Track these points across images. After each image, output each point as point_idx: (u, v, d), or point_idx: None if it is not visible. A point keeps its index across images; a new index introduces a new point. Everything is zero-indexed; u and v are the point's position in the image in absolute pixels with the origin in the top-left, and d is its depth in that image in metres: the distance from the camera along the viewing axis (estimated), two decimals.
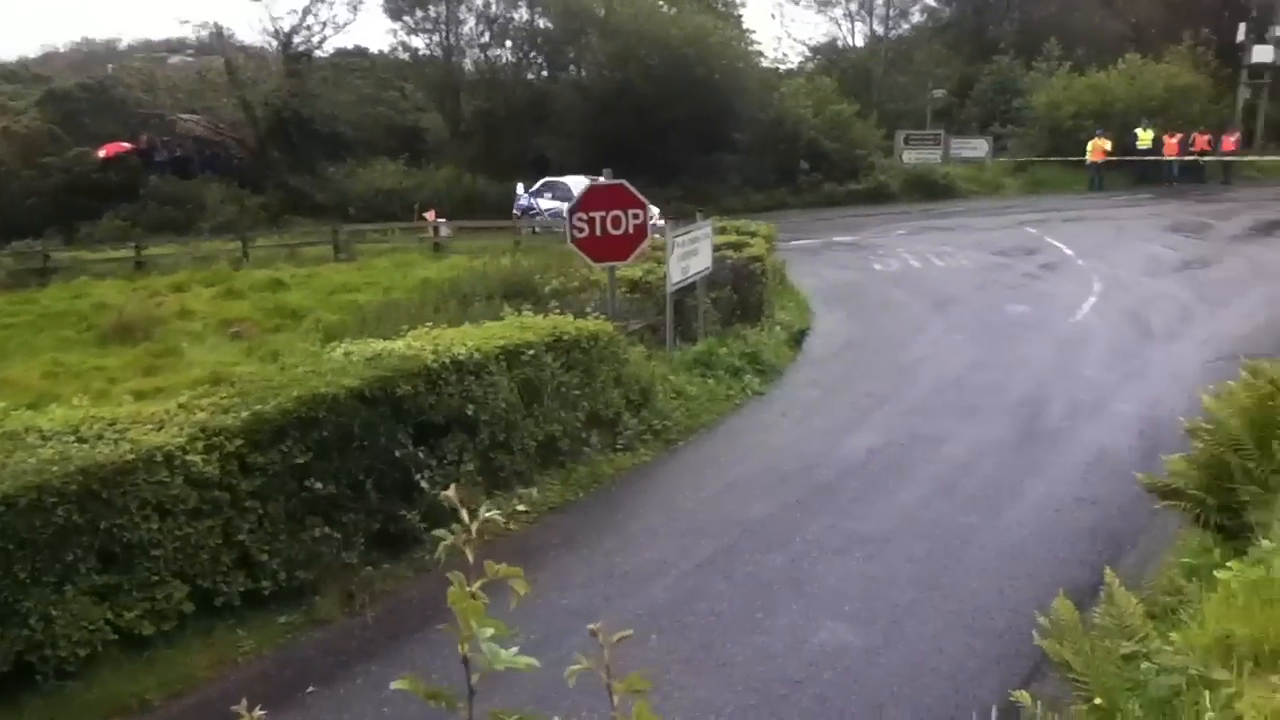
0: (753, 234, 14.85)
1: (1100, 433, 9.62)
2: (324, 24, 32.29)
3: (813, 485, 8.61)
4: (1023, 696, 3.32)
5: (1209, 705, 2.55)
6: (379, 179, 29.99)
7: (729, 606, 6.60)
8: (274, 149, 31.02)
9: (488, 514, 1.44)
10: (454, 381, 7.64)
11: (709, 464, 9.30)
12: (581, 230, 10.39)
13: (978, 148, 34.47)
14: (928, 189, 30.49)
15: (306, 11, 31.91)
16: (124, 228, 26.99)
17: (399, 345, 7.74)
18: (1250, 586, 3.30)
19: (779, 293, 15.31)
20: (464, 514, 1.42)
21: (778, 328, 13.51)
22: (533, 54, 34.42)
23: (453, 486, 1.50)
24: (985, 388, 11.26)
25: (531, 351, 8.46)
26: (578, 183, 20.76)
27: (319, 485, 6.64)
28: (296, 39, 32.18)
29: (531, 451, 8.51)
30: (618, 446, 9.38)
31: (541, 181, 25.47)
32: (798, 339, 13.68)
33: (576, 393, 8.93)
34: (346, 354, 7.59)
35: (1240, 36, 36.72)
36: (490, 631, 1.38)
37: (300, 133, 30.65)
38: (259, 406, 6.59)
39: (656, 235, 11.60)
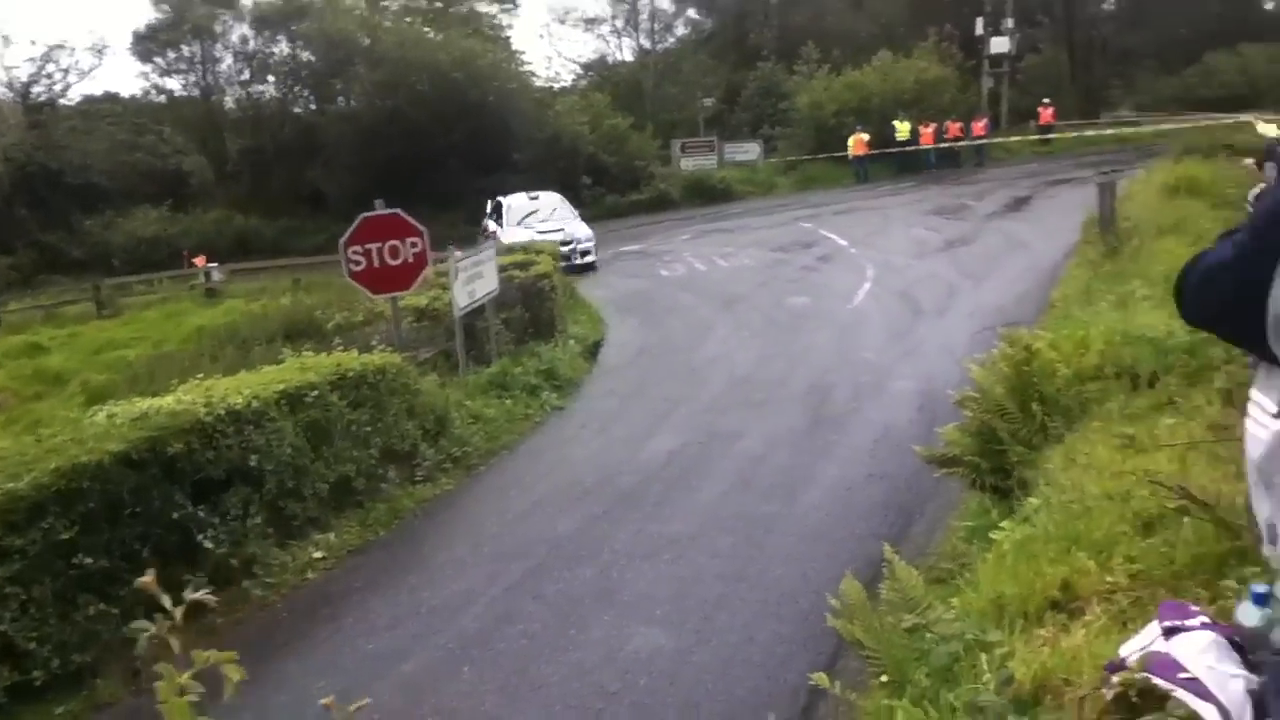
0: (539, 251, 14.80)
1: (883, 411, 10.06)
2: (65, 71, 30.41)
3: (617, 494, 8.62)
4: (820, 679, 3.37)
5: (985, 667, 2.64)
6: (141, 227, 28.38)
7: (541, 627, 6.49)
8: (20, 205, 28.85)
9: (195, 595, 1.30)
10: (231, 433, 7.21)
11: (512, 485, 9.16)
12: (358, 264, 10.04)
13: (750, 151, 35.73)
14: (706, 193, 31.34)
15: (45, 59, 29.88)
16: None
17: (167, 401, 7.25)
18: (1018, 545, 3.46)
19: (571, 306, 15.34)
20: (165, 600, 1.27)
21: (572, 341, 13.52)
22: (297, 87, 33.37)
23: (149, 573, 1.34)
24: (774, 380, 11.59)
25: (315, 392, 8.10)
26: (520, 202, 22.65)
27: (89, 560, 6.11)
28: (36, 88, 30.10)
29: (325, 495, 8.15)
30: (417, 479, 9.12)
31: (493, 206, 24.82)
32: (593, 350, 13.73)
33: (368, 429, 8.61)
34: (110, 416, 7.05)
35: (979, 30, 39.59)
36: None
37: (49, 186, 28.65)
38: (10, 485, 6.01)
39: (442, 262, 11.35)
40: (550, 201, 23.11)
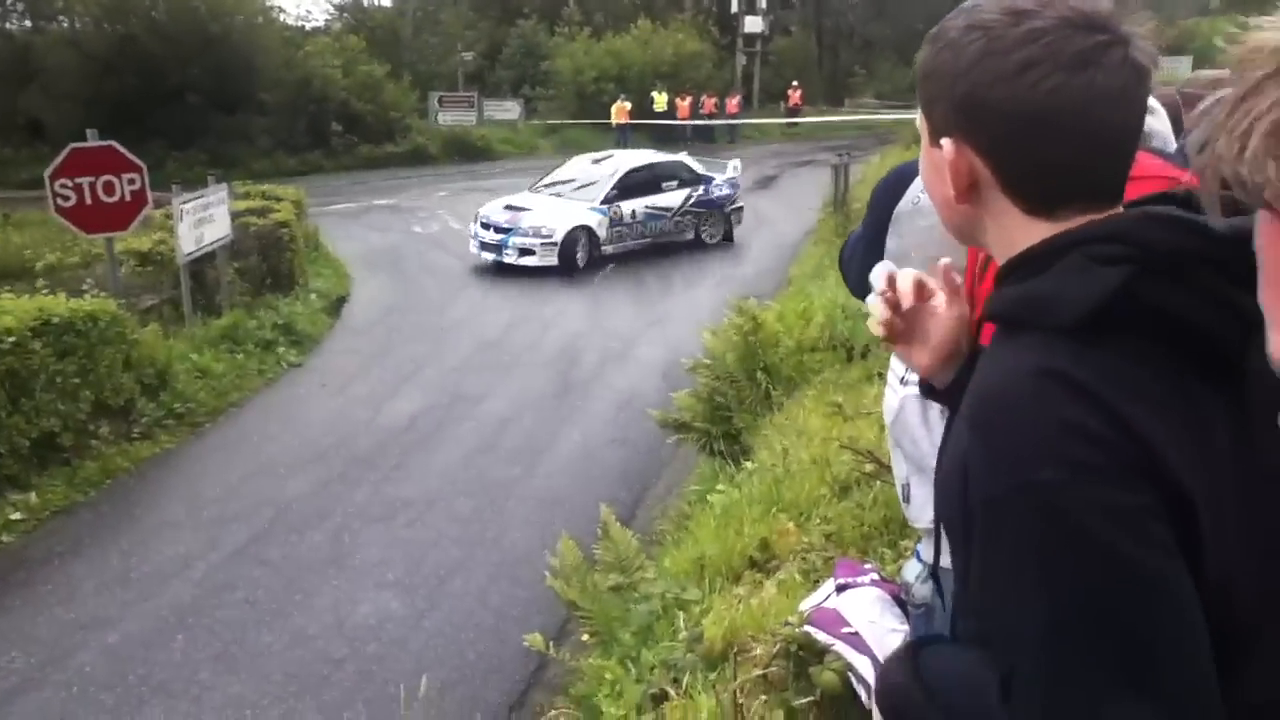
0: (279, 199, 14.08)
1: (629, 378, 10.28)
2: None
3: (353, 456, 8.39)
4: (535, 640, 3.41)
5: (682, 625, 2.74)
6: None
7: (264, 594, 6.24)
8: None
9: None
10: None
11: (239, 445, 8.72)
12: (67, 199, 9.17)
13: (510, 110, 35.36)
14: (466, 151, 30.79)
15: None
16: None
17: None
18: (726, 508, 3.62)
19: (315, 260, 14.71)
20: None
21: (314, 296, 12.98)
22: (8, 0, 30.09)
23: None
24: (524, 345, 11.59)
25: (13, 339, 7.38)
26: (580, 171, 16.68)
27: None
28: None
29: (25, 451, 7.46)
30: (133, 436, 8.51)
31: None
32: (336, 306, 13.24)
33: (76, 381, 7.94)
34: None
35: (734, 8, 40.83)
36: None
37: None
38: None
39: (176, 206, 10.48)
40: (620, 165, 16.51)
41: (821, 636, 2.10)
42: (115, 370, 8.43)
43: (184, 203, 10.24)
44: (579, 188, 15.99)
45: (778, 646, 2.19)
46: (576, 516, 7.07)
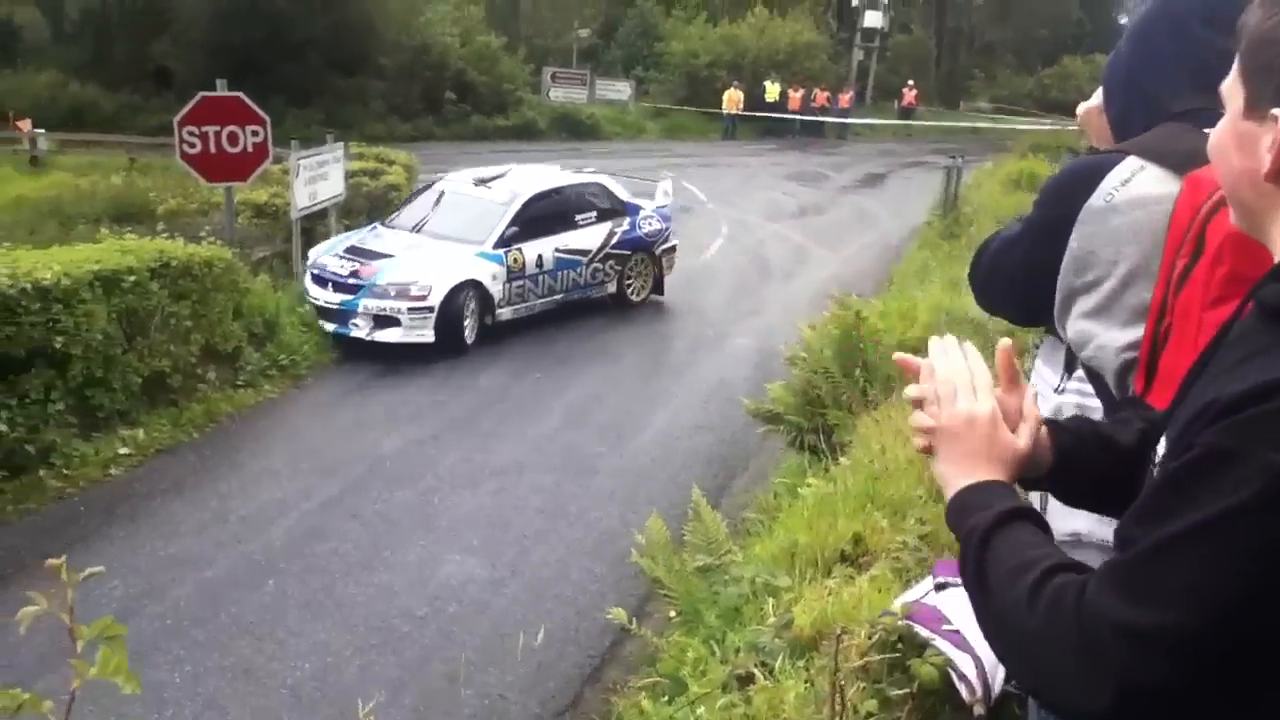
0: (391, 162, 14.36)
1: (721, 365, 10.25)
2: None
3: (448, 419, 8.53)
4: (618, 614, 3.43)
5: (770, 610, 2.74)
6: None
7: (353, 546, 6.41)
8: None
9: None
10: (37, 310, 6.77)
11: (339, 400, 8.95)
12: (193, 146, 9.48)
13: (621, 90, 35.41)
14: (574, 128, 30.96)
15: None
16: None
17: None
18: (819, 500, 3.60)
19: None
20: None
21: None
22: None
23: None
24: (616, 324, 11.64)
25: (134, 278, 7.66)
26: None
27: None
28: None
29: (136, 389, 7.75)
30: (239, 383, 8.77)
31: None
32: None
33: (189, 324, 8.22)
34: None
35: (855, 1, 40.27)
36: None
37: None
38: None
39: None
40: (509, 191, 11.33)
41: (922, 631, 2.09)
42: (226, 317, 8.71)
43: (301, 159, 10.49)
44: (460, 222, 10.82)
45: (876, 637, 2.18)
46: (659, 497, 7.09)
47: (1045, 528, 1.17)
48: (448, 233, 10.75)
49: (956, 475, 1.22)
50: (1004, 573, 1.10)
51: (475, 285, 10.27)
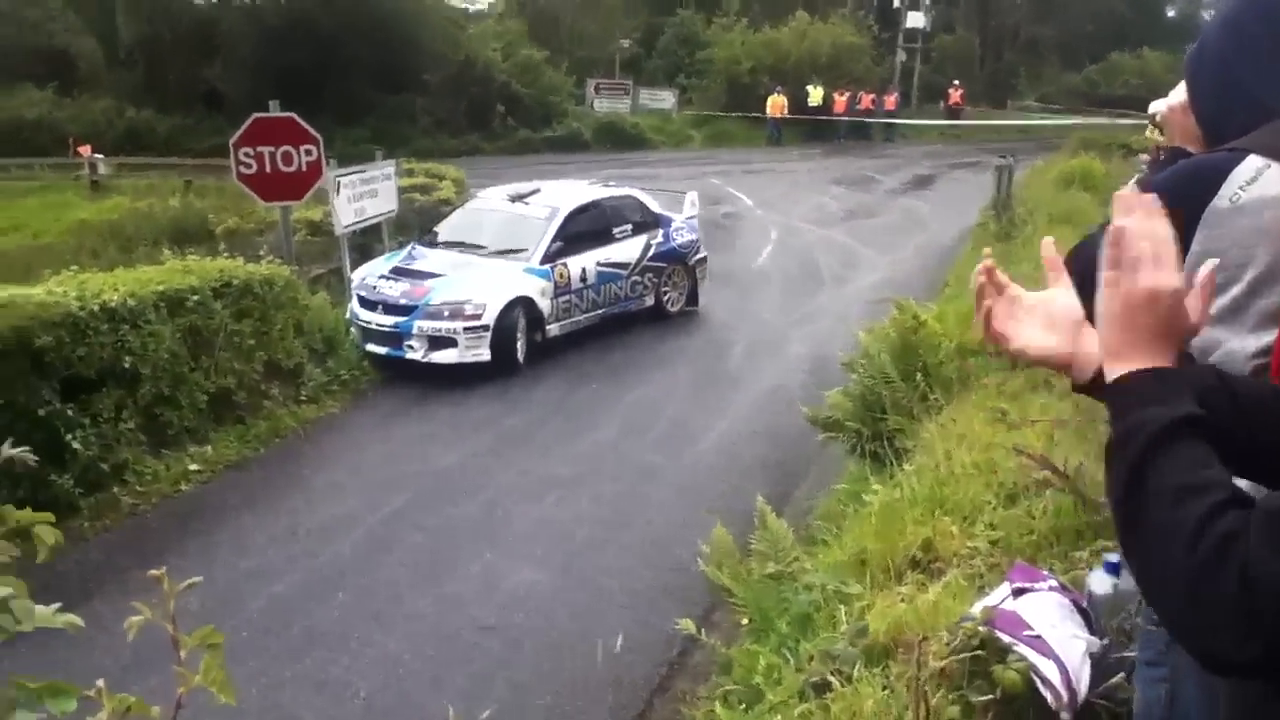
0: (441, 177, 14.54)
1: (776, 372, 10.25)
2: None
3: (505, 431, 8.62)
4: (687, 624, 3.46)
5: (843, 617, 2.75)
6: (25, 108, 26.78)
7: (419, 558, 6.49)
8: None
9: (11, 451, 1.27)
10: (105, 331, 6.96)
11: (399, 414, 9.07)
12: (249, 166, 9.70)
13: (665, 99, 35.55)
14: (619, 138, 31.12)
15: None
16: None
17: (38, 291, 6.95)
18: (885, 506, 3.60)
19: None
20: None
21: None
22: None
23: None
24: (671, 332, 11.68)
25: (196, 297, 7.85)
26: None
27: None
28: None
29: (203, 406, 7.93)
30: (301, 398, 8.94)
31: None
32: None
33: (252, 342, 8.40)
34: None
35: (896, 2, 40.07)
36: (8, 591, 1.21)
37: None
38: None
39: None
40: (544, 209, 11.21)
41: (1003, 637, 2.09)
42: (287, 334, 8.89)
43: (339, 176, 10.64)
44: (503, 239, 10.85)
45: (956, 642, 2.19)
46: (719, 506, 7.05)
47: (1218, 443, 1.10)
48: (493, 249, 10.72)
49: (1129, 351, 1.15)
50: (1171, 488, 1.04)
51: (526, 301, 10.19)
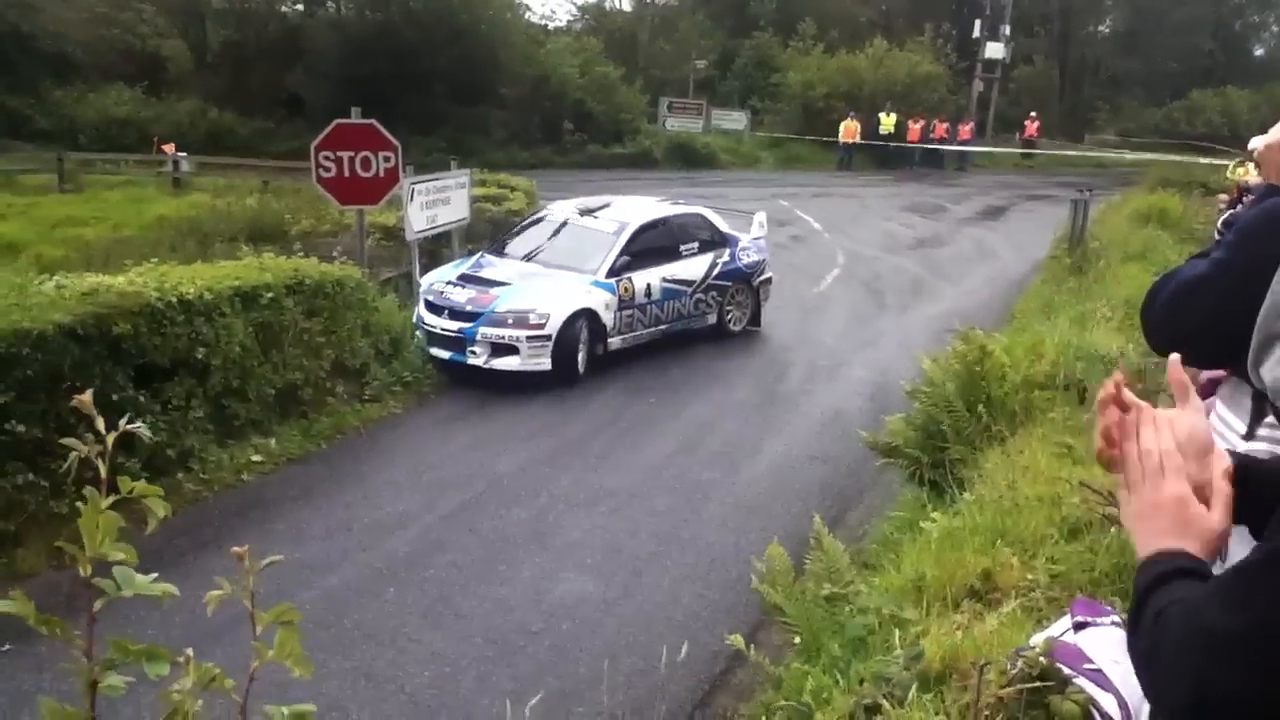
0: (512, 189, 14.70)
1: (835, 396, 10.18)
2: None
3: (562, 441, 8.66)
4: (736, 640, 3.44)
5: (897, 643, 2.72)
6: (114, 106, 27.61)
7: (471, 560, 6.54)
8: None
9: (130, 426, 1.31)
10: (181, 322, 7.14)
11: (460, 418, 9.17)
12: (328, 170, 9.91)
13: (737, 120, 35.58)
14: (689, 158, 31.21)
15: None
16: None
17: (119, 280, 7.15)
18: (945, 534, 3.55)
19: None
20: (98, 422, 1.28)
21: None
22: None
23: (87, 393, 1.35)
24: (731, 351, 11.66)
25: (270, 294, 8.02)
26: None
27: (22, 428, 6.05)
28: None
29: (270, 400, 8.10)
30: (365, 397, 9.08)
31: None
32: None
33: (320, 340, 8.55)
34: (59, 287, 6.93)
35: (976, 33, 39.74)
36: (121, 556, 1.25)
37: (19, 49, 27.66)
38: None
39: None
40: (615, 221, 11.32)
41: (1064, 669, 2.06)
42: (355, 334, 9.04)
43: (414, 184, 10.82)
44: (571, 251, 10.93)
45: (1016, 671, 2.15)
46: (772, 526, 7.04)
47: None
48: (560, 261, 10.77)
49: (1143, 546, 1.28)
50: (1148, 616, 1.17)
51: (589, 314, 10.26)
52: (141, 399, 6.87)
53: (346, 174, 9.98)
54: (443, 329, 9.95)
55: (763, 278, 12.52)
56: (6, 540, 6.01)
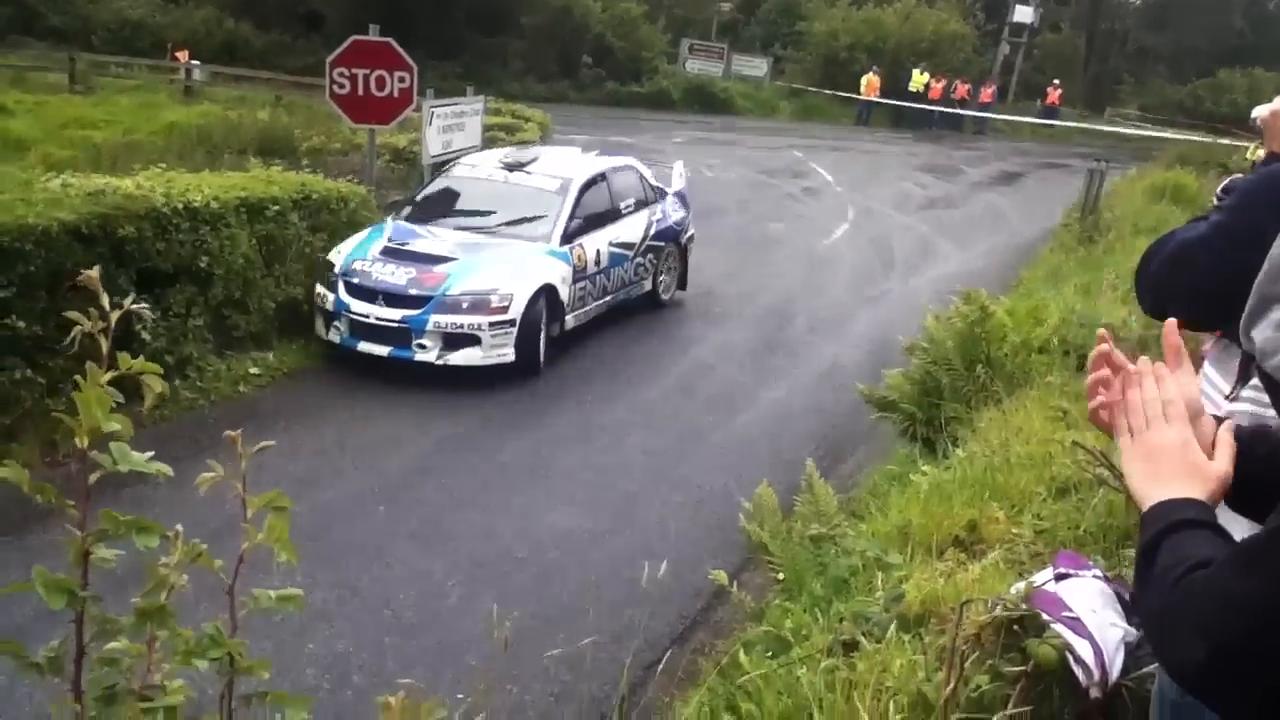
0: (526, 119, 14.57)
1: (836, 348, 10.17)
2: None
3: (559, 378, 8.65)
4: (719, 576, 3.48)
5: (879, 585, 2.75)
6: (128, 9, 27.30)
7: (462, 486, 6.58)
8: None
9: (133, 305, 1.31)
10: (186, 229, 7.13)
11: None
12: (342, 86, 9.81)
13: (758, 67, 35.19)
14: (707, 101, 30.91)
15: None
16: None
17: (126, 183, 7.12)
18: (934, 486, 3.57)
19: None
20: (103, 298, 1.28)
21: None
22: None
23: (94, 269, 1.34)
24: (736, 297, 11.64)
25: (276, 207, 7.99)
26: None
27: (21, 324, 6.07)
28: None
29: (270, 313, 8.10)
30: None
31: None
32: None
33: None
34: (65, 186, 6.90)
35: None
36: (117, 426, 1.26)
37: None
38: None
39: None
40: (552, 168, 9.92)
41: (1043, 615, 2.08)
42: None
43: (433, 107, 10.72)
44: (512, 214, 9.33)
45: (995, 614, 2.18)
46: (765, 471, 6.96)
47: (1220, 534, 1.23)
48: (503, 228, 9.17)
49: (1148, 493, 1.29)
50: (1158, 572, 1.19)
51: (549, 290, 8.69)
52: (143, 303, 6.86)
53: (360, 92, 9.88)
54: (378, 318, 8.09)
55: (688, 235, 11.33)
56: (1, 434, 6.05)
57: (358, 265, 8.34)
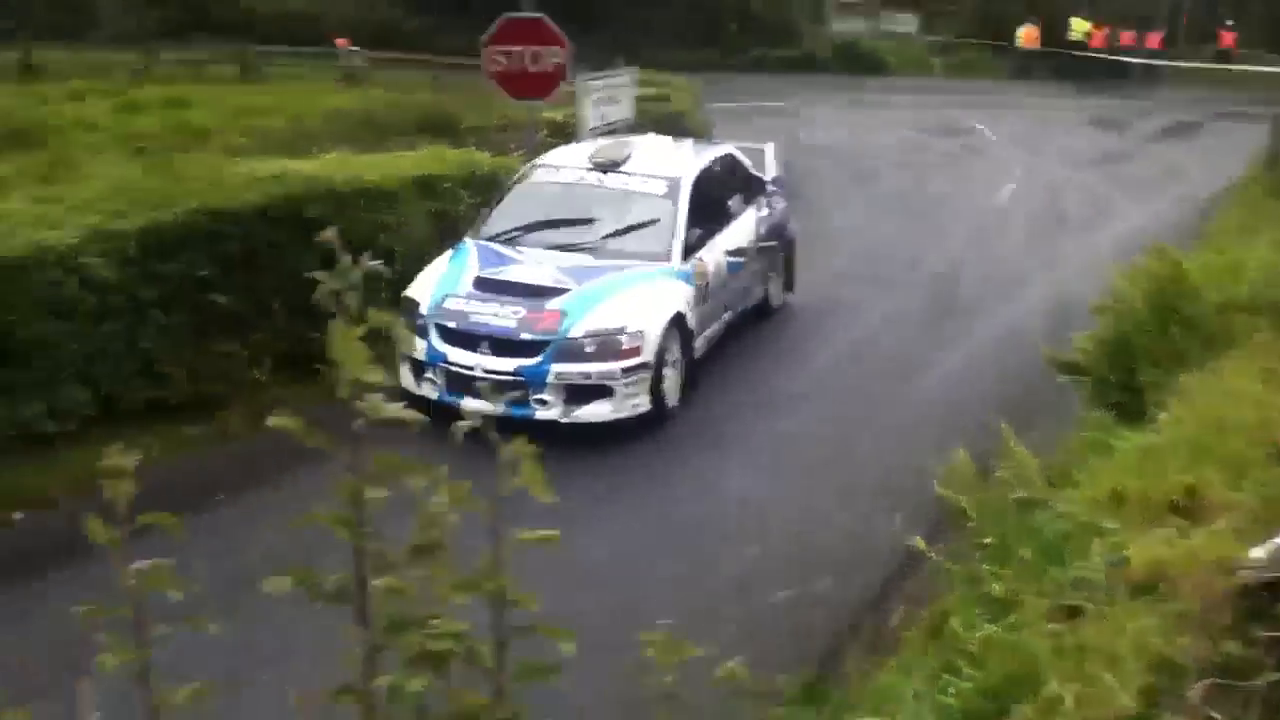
0: (677, 89, 14.58)
1: (1012, 312, 9.85)
2: None
3: (734, 343, 8.65)
4: (920, 542, 3.44)
5: (1095, 551, 2.67)
6: (289, 1, 28.45)
7: (649, 452, 6.73)
8: None
9: (371, 263, 1.38)
10: (364, 207, 7.44)
11: None
12: (499, 64, 10.00)
13: (908, 23, 34.18)
14: (856, 61, 30.24)
15: None
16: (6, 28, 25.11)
17: (307, 166, 7.49)
18: (1142, 449, 3.44)
19: None
20: (343, 257, 1.35)
21: None
22: None
23: (331, 229, 1.41)
24: (904, 262, 11.39)
25: (446, 184, 8.26)
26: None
27: (224, 300, 6.49)
28: None
29: None
30: None
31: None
32: None
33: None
34: (252, 171, 7.31)
35: None
36: (378, 377, 1.34)
37: None
38: (155, 214, 6.39)
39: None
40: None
41: None
42: None
43: (589, 80, 10.85)
44: (618, 226, 7.80)
45: (1240, 577, 2.09)
46: (946, 439, 6.71)
47: None
48: (610, 244, 7.64)
49: None
50: None
51: (678, 320, 7.26)
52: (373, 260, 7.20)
53: (516, 68, 10.06)
54: (486, 369, 6.70)
55: (791, 229, 9.79)
56: (213, 404, 6.48)
57: (450, 305, 7.00)
